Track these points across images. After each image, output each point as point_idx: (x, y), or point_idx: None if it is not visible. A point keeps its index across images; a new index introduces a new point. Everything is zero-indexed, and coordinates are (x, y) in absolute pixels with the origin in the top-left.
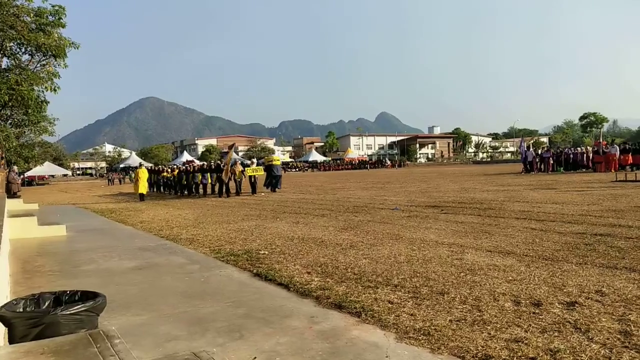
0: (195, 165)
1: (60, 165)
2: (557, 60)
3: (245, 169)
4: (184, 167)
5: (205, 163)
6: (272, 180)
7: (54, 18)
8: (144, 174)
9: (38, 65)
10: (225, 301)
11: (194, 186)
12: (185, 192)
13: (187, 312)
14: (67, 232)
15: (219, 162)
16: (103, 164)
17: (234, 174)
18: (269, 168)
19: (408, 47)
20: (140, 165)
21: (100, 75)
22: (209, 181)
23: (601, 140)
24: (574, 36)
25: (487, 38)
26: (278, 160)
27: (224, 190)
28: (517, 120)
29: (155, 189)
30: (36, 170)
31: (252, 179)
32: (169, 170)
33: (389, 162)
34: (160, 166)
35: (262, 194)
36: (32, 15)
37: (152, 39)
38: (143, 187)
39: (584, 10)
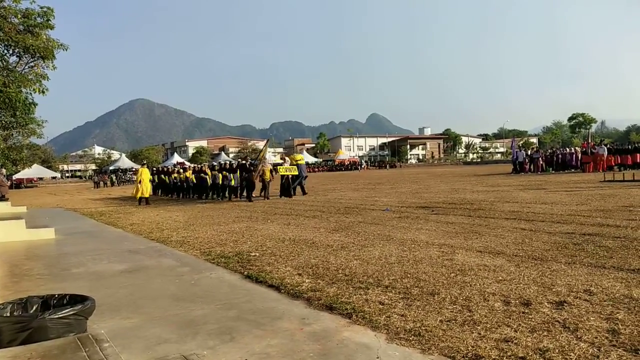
0: (214, 164)
1: (49, 167)
2: (547, 61)
3: (278, 167)
4: (199, 167)
5: (229, 162)
6: (299, 182)
7: (42, 20)
8: (146, 174)
9: (26, 67)
10: (216, 303)
11: (211, 189)
12: (204, 196)
13: (178, 314)
14: (55, 235)
15: (243, 160)
16: (92, 166)
17: (263, 174)
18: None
19: (399, 48)
20: (143, 164)
21: (89, 77)
22: (233, 183)
23: (589, 141)
24: (565, 38)
25: (479, 39)
26: (302, 159)
27: (252, 193)
28: (507, 121)
29: (164, 193)
30: (24, 173)
31: (283, 180)
32: (181, 170)
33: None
34: (170, 166)
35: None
36: (19, 16)
37: (142, 40)
38: (145, 190)
39: (576, 12)
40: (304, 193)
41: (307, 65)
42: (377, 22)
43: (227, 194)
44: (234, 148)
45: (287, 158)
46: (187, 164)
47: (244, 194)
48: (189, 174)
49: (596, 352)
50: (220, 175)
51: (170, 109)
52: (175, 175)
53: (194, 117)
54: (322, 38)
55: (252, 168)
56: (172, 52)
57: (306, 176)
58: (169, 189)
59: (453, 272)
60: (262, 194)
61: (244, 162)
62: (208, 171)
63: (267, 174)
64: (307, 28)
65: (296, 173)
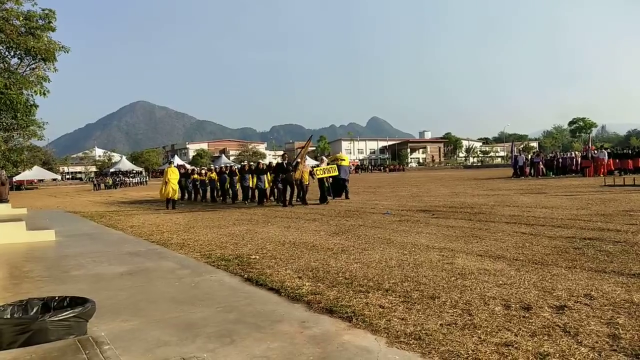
0: (244, 164)
1: (50, 169)
2: (548, 65)
3: (315, 169)
4: (225, 167)
5: (261, 162)
6: (339, 185)
7: (43, 22)
8: (174, 175)
9: (27, 68)
10: (216, 306)
11: (240, 191)
12: (230, 199)
13: (178, 317)
14: (56, 237)
15: (281, 159)
16: (93, 168)
17: (301, 176)
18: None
19: (401, 51)
20: (170, 163)
21: (90, 79)
22: (267, 185)
23: (590, 145)
24: (566, 42)
25: (480, 43)
26: (346, 159)
27: (293, 196)
28: (507, 125)
29: (182, 196)
30: (25, 175)
31: (322, 182)
32: (203, 172)
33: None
34: (189, 167)
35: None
36: (21, 18)
37: (143, 42)
38: (173, 191)
39: (577, 17)
40: (347, 196)
41: (309, 69)
42: (379, 26)
43: (259, 197)
44: (235, 151)
45: (324, 158)
46: (188, 166)
47: (277, 197)
48: (213, 175)
49: (597, 357)
50: (250, 176)
51: (171, 112)
52: (195, 176)
53: (195, 119)
54: (324, 41)
55: (290, 169)
56: (174, 54)
57: (347, 179)
58: (189, 191)
59: (453, 275)
60: (299, 197)
61: (281, 162)
62: (237, 172)
63: (306, 176)
64: (309, 32)
65: (336, 174)
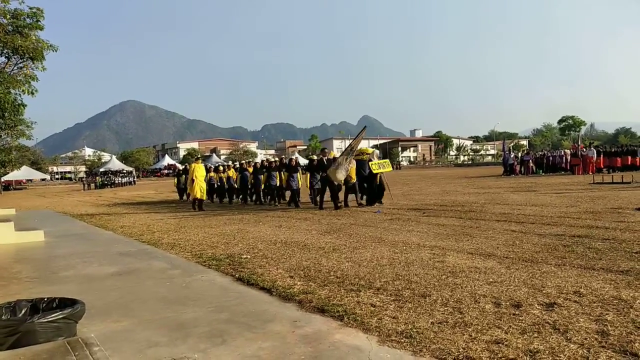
0: (270, 160)
1: (39, 169)
2: (538, 64)
3: (370, 165)
4: (247, 162)
5: (293, 158)
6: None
7: (31, 20)
8: (200, 171)
9: (15, 67)
10: (207, 306)
11: (266, 191)
12: (255, 200)
13: (169, 317)
14: (45, 237)
15: (321, 156)
16: (83, 168)
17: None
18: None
19: (392, 50)
20: (197, 159)
21: (79, 79)
22: (300, 184)
23: (579, 144)
24: (556, 42)
25: (471, 41)
26: (372, 153)
27: (337, 197)
28: (497, 123)
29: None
30: (13, 175)
31: (379, 180)
32: (221, 168)
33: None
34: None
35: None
36: (8, 17)
37: (133, 41)
38: (202, 190)
39: (567, 17)
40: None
41: (300, 68)
42: (370, 25)
43: (292, 198)
44: (225, 150)
45: (377, 151)
46: (179, 165)
47: (317, 198)
48: (231, 173)
49: (586, 354)
50: (277, 174)
51: (161, 111)
52: (212, 174)
53: (185, 118)
54: (315, 41)
55: (337, 166)
56: (164, 53)
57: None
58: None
59: (444, 274)
60: (356, 199)
61: (320, 158)
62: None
63: (353, 174)
64: (300, 31)
65: (390, 169)
